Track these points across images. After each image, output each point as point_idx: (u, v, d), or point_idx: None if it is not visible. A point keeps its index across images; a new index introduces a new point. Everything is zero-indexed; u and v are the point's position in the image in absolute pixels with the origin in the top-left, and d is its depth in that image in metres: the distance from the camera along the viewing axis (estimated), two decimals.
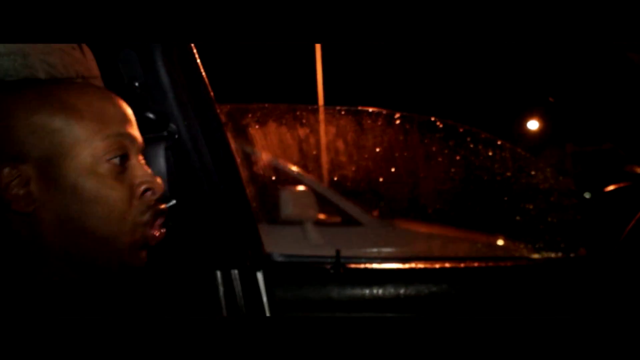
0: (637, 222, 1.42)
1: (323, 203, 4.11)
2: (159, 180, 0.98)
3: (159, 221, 0.98)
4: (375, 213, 4.26)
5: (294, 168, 4.21)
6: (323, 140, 4.17)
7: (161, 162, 1.32)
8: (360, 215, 4.18)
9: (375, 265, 1.61)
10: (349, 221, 4.14)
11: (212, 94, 1.44)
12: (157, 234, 0.97)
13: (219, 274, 1.45)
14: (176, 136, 1.33)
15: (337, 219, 4.15)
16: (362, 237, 3.93)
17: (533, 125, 16.95)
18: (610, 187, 1.59)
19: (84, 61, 1.50)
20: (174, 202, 1.34)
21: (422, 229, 4.23)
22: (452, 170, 3.87)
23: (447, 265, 1.58)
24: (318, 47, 12.25)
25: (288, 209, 3.89)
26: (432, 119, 3.69)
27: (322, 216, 4.12)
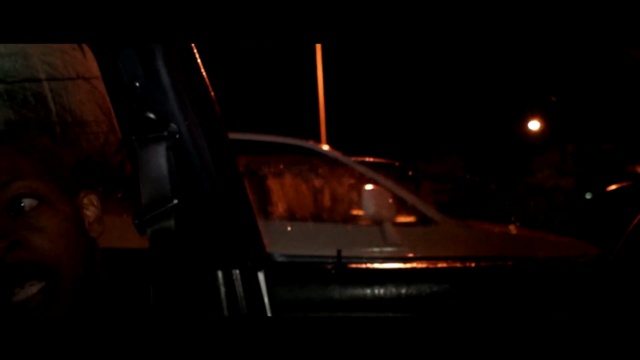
0: (639, 222, 1.42)
1: (399, 202, 4.17)
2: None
3: (25, 287, 0.91)
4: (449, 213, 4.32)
5: (369, 169, 4.27)
6: None
7: (162, 162, 1.32)
8: (436, 214, 4.22)
9: (376, 265, 1.60)
10: (424, 220, 4.18)
11: (212, 93, 1.44)
12: (30, 302, 0.89)
13: (220, 274, 1.45)
14: (177, 136, 1.33)
15: (412, 219, 4.19)
16: (439, 236, 3.95)
17: (534, 125, 16.95)
18: (612, 187, 1.58)
19: (84, 62, 1.50)
20: (175, 202, 1.34)
21: (495, 228, 4.30)
22: None
23: (448, 264, 1.58)
24: (318, 47, 12.28)
25: (370, 208, 3.97)
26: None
27: (398, 215, 4.17)
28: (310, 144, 4.20)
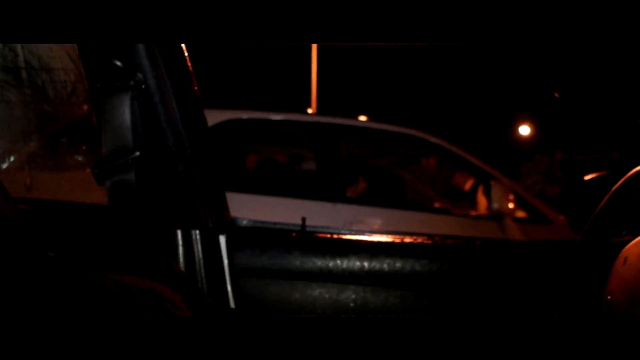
0: (602, 208, 1.40)
1: (517, 199, 4.13)
2: None
3: None
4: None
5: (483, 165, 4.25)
6: None
7: (125, 112, 1.29)
8: (552, 213, 4.17)
9: (342, 236, 1.57)
10: (538, 219, 4.13)
11: (185, 50, 1.40)
12: None
13: (179, 233, 1.41)
14: (143, 86, 1.29)
15: (525, 215, 4.15)
16: (558, 236, 3.88)
17: (524, 130, 16.97)
18: (589, 176, 1.56)
19: None
20: (137, 154, 1.30)
21: None
22: None
23: (414, 240, 1.55)
24: (314, 47, 12.28)
25: (495, 203, 3.95)
26: None
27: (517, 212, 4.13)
28: (418, 132, 4.17)
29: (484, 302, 1.49)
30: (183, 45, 1.40)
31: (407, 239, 1.54)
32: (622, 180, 1.30)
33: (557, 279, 1.38)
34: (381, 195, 4.30)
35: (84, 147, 1.58)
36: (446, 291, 1.50)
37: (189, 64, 1.43)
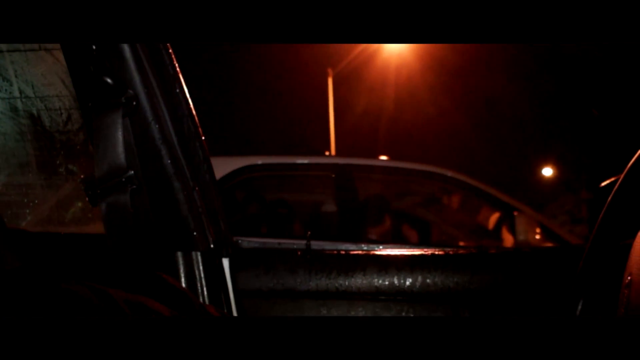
0: (605, 214, 1.36)
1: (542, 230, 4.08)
2: None
3: None
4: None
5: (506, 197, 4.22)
6: None
7: (118, 130, 1.25)
8: (578, 242, 4.11)
9: (350, 252, 1.50)
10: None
11: (177, 65, 1.37)
12: None
13: (179, 255, 1.36)
14: (134, 103, 1.26)
15: (554, 244, 4.10)
16: None
17: (548, 171, 16.83)
18: (605, 183, 1.51)
19: None
20: (131, 173, 1.26)
21: None
22: None
23: (425, 253, 1.48)
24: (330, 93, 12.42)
25: (521, 234, 3.91)
26: None
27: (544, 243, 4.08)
28: (434, 168, 4.16)
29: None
30: (175, 62, 1.37)
31: (417, 252, 1.47)
32: (621, 180, 1.26)
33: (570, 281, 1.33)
34: (406, 236, 4.23)
35: (81, 176, 1.55)
36: (463, 302, 1.43)
37: (182, 80, 1.39)
